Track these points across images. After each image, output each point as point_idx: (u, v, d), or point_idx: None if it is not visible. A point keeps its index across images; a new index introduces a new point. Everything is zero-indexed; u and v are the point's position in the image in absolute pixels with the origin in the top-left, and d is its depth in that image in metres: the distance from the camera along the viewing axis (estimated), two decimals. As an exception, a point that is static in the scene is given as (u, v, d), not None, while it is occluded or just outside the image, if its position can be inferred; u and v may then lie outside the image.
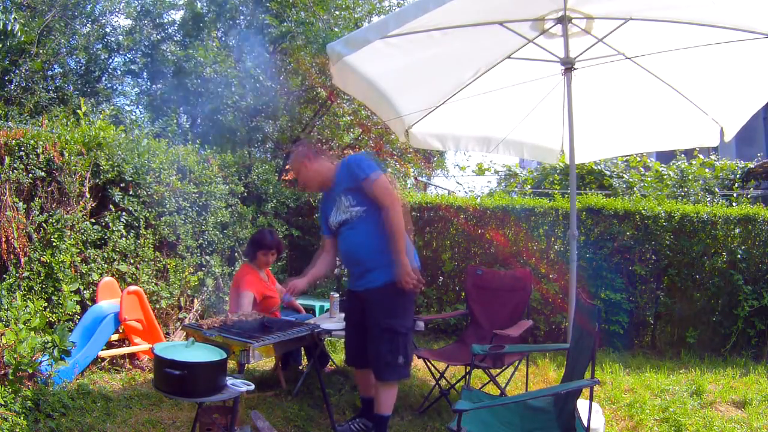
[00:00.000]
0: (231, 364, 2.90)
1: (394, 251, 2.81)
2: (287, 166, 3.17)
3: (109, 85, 12.75)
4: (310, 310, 5.23)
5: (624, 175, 8.84)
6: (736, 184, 8.92)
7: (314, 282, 3.31)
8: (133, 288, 4.35)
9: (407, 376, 3.10)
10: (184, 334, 4.26)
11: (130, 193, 4.70)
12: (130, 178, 4.69)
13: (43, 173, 4.20)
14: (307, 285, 3.10)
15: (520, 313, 3.98)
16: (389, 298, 2.85)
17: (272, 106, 7.83)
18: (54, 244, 4.12)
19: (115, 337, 4.27)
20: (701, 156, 9.30)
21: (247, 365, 2.87)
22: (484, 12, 3.29)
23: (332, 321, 4.07)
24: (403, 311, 2.90)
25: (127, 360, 4.26)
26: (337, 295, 4.37)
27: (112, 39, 11.72)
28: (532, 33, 3.62)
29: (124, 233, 4.62)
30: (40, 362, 3.35)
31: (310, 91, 7.95)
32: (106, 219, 4.50)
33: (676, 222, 5.63)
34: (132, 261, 4.67)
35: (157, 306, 4.79)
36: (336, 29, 7.69)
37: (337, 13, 8.22)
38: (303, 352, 4.29)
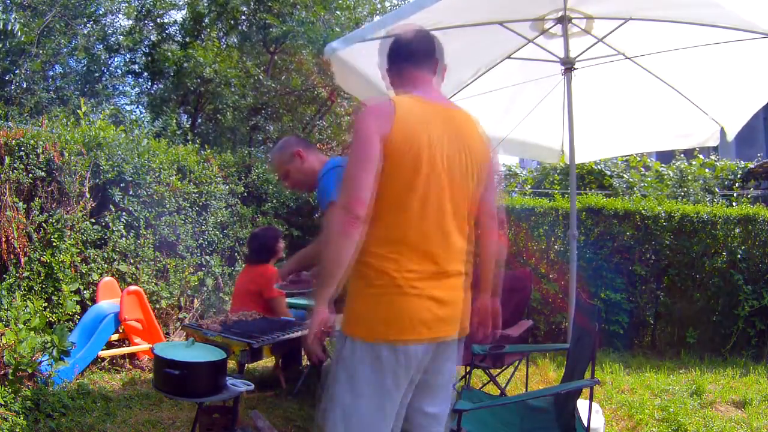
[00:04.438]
0: (231, 364, 2.90)
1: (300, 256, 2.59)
2: (269, 165, 2.78)
3: (109, 85, 12.76)
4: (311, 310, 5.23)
5: (624, 175, 8.84)
6: (736, 184, 8.92)
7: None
8: (133, 288, 4.35)
9: None
10: (184, 334, 4.26)
11: (130, 193, 4.70)
12: (130, 178, 4.70)
13: (43, 173, 4.20)
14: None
15: (520, 313, 3.98)
16: None
17: (273, 106, 7.83)
18: (54, 244, 4.13)
19: (115, 337, 4.27)
20: (701, 156, 9.29)
21: (247, 365, 2.87)
22: (484, 12, 3.29)
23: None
24: None
25: (127, 360, 4.25)
26: None
27: (113, 39, 11.72)
28: (532, 33, 3.61)
29: (124, 233, 4.62)
30: (40, 362, 3.35)
31: (311, 90, 7.95)
32: (106, 219, 4.50)
33: (676, 222, 5.62)
34: (132, 261, 4.67)
35: (157, 306, 4.79)
36: (337, 29, 7.69)
37: (338, 13, 8.22)
38: (303, 352, 4.29)
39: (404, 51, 1.81)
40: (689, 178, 8.60)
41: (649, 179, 8.77)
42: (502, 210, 1.85)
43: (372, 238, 1.63)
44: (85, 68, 11.90)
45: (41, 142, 4.22)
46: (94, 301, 4.27)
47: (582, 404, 2.42)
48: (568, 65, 3.52)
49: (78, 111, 5.12)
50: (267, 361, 4.31)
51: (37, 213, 4.14)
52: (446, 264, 1.68)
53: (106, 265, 4.48)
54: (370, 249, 1.64)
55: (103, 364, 4.10)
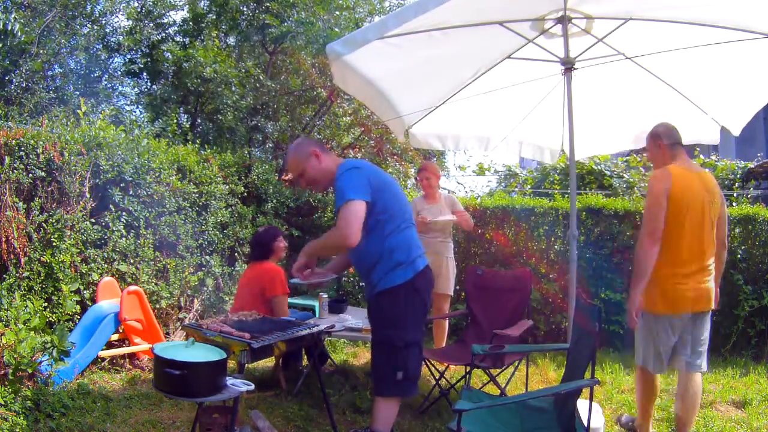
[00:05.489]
0: (231, 364, 2.90)
1: (310, 246, 2.76)
2: (286, 165, 2.92)
3: (109, 86, 12.76)
4: (310, 310, 5.23)
5: (624, 175, 8.83)
6: (736, 184, 8.92)
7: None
8: (133, 288, 4.35)
9: (409, 394, 2.69)
10: (184, 334, 4.26)
11: (130, 193, 4.70)
12: (130, 178, 4.70)
13: (43, 173, 4.20)
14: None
15: (520, 313, 3.98)
16: (386, 306, 2.65)
17: (272, 106, 7.84)
18: (54, 244, 4.13)
19: (115, 337, 4.27)
20: (702, 156, 9.28)
21: (247, 365, 2.87)
22: (484, 12, 3.29)
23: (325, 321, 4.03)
24: (403, 322, 2.61)
25: (127, 360, 4.26)
26: (326, 296, 4.35)
27: (113, 39, 11.72)
28: (532, 33, 3.61)
29: (124, 233, 4.62)
30: (40, 362, 3.35)
31: (310, 91, 7.96)
32: (106, 219, 4.50)
33: (676, 222, 5.62)
34: (132, 261, 4.67)
35: (157, 306, 4.79)
36: (336, 29, 7.69)
37: (337, 13, 8.22)
38: (303, 352, 4.29)
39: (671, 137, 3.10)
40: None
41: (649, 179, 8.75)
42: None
43: None
44: (84, 68, 11.91)
45: (41, 142, 4.22)
46: (94, 301, 4.27)
47: (582, 404, 2.42)
48: (568, 65, 3.52)
49: (78, 111, 5.12)
50: (267, 361, 4.32)
51: (37, 213, 4.14)
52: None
53: (106, 265, 4.48)
54: None
55: (103, 364, 4.10)
